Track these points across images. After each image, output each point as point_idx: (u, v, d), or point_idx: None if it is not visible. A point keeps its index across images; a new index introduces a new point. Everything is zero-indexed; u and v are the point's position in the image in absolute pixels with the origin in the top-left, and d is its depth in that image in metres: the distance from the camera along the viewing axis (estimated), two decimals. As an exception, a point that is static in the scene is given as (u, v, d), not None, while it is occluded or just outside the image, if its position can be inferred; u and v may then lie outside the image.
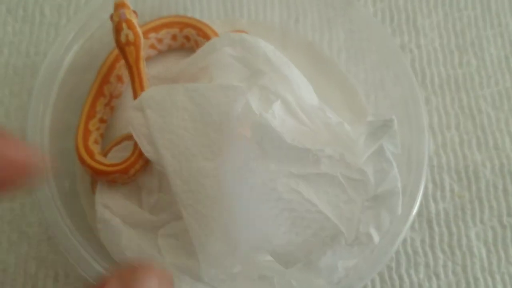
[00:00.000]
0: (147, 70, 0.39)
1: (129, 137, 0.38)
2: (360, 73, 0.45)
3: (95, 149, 0.39)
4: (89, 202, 0.39)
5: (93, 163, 0.37)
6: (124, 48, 0.38)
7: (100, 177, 0.37)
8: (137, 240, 0.36)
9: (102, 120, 0.41)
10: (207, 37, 0.42)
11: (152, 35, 0.43)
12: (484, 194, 0.43)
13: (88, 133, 0.39)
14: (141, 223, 0.37)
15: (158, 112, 0.36)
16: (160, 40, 0.43)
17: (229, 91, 0.35)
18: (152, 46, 0.43)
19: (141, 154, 0.37)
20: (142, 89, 0.38)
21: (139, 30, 0.38)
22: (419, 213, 0.42)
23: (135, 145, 0.37)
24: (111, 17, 0.38)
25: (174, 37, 0.44)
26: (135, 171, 0.37)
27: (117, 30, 0.38)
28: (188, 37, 0.44)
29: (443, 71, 0.47)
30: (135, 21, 0.38)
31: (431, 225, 0.42)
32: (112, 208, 0.37)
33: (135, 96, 0.38)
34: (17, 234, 0.40)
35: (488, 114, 0.45)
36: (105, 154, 0.39)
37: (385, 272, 0.40)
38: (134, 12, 0.39)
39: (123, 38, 0.38)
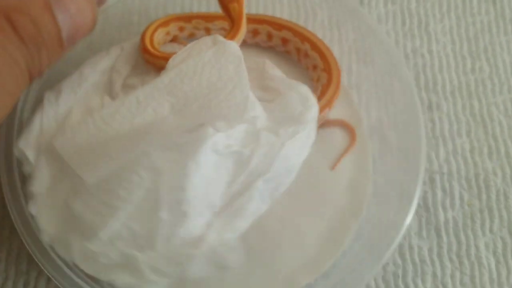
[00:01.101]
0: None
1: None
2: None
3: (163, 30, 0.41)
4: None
5: (146, 31, 0.40)
6: (227, 5, 0.38)
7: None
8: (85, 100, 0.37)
9: (195, 27, 0.42)
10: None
11: (268, 27, 0.43)
12: (494, 203, 0.42)
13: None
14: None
15: (208, 57, 0.35)
16: (270, 37, 0.43)
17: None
18: (263, 35, 0.43)
19: (162, 57, 0.37)
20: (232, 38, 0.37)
21: None
22: (427, 221, 0.41)
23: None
24: None
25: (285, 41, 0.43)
26: (147, 59, 0.39)
27: None
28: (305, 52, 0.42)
29: (455, 77, 0.46)
30: None
31: (439, 234, 0.40)
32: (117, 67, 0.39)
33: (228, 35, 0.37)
34: (8, 230, 0.39)
35: (500, 122, 0.44)
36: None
37: (391, 280, 0.39)
38: None
39: None
